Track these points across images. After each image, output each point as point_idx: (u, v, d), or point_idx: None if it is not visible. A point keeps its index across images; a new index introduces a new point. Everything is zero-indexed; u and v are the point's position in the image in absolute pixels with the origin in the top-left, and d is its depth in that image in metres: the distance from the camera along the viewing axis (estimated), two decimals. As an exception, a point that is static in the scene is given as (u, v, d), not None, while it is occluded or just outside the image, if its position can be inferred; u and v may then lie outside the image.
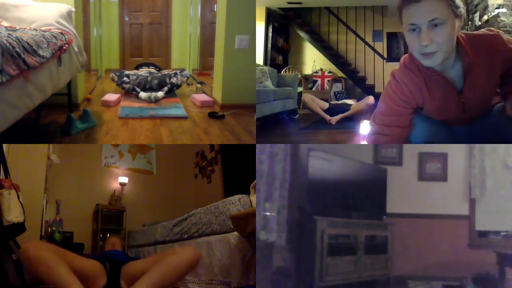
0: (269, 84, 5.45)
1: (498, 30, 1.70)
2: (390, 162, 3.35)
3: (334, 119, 5.02)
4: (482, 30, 1.73)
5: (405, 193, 3.33)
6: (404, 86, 1.72)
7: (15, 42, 1.69)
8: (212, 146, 5.22)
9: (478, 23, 5.69)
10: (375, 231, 2.83)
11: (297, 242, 2.45)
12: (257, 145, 2.34)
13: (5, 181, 2.24)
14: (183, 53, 7.25)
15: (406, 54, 1.76)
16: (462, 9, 1.56)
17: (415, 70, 1.70)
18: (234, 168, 4.51)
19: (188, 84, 5.22)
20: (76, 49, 2.98)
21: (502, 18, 5.08)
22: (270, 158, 2.34)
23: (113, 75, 4.75)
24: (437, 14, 1.49)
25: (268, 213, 2.31)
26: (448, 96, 1.71)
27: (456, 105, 1.73)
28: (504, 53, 1.65)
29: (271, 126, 4.86)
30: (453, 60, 1.66)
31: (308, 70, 8.57)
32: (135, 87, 4.56)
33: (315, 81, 8.12)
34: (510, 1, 5.29)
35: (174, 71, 5.00)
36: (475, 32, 1.72)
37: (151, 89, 4.60)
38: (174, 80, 4.71)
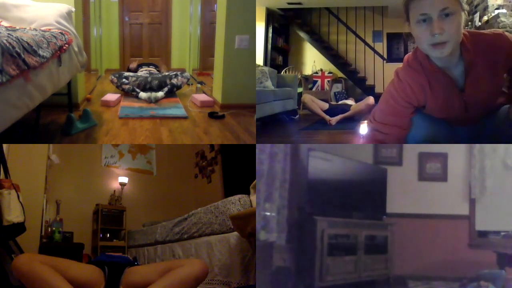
0: (269, 84, 5.45)
1: (503, 31, 1.71)
2: (390, 162, 3.35)
3: (334, 120, 5.01)
4: (488, 30, 1.75)
5: (405, 193, 3.32)
6: (407, 86, 1.72)
7: (15, 42, 1.69)
8: (212, 146, 5.22)
9: (478, 23, 5.68)
10: (375, 231, 2.83)
11: (297, 242, 2.45)
12: (257, 145, 2.34)
13: (5, 181, 2.24)
14: (183, 53, 7.25)
15: (410, 53, 1.76)
16: (466, 4, 1.60)
17: (418, 68, 1.70)
18: (234, 168, 4.51)
19: (188, 84, 5.23)
20: (76, 49, 2.98)
21: (502, 19, 5.07)
22: (270, 158, 2.34)
23: (112, 77, 4.75)
24: (448, 4, 1.52)
25: (268, 213, 2.31)
26: (450, 95, 1.71)
27: (458, 104, 1.73)
28: (508, 53, 1.66)
29: (271, 126, 4.86)
30: (457, 58, 1.67)
31: (308, 70, 8.57)
32: (135, 87, 4.56)
33: (315, 82, 8.12)
34: (510, 2, 5.29)
35: (174, 72, 5.00)
36: (479, 30, 1.73)
37: (151, 89, 4.60)
38: (174, 81, 4.71)
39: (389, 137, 1.85)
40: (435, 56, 1.64)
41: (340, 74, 8.35)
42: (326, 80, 8.07)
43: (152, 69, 5.57)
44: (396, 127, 1.82)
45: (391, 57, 8.10)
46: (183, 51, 7.25)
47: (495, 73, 1.68)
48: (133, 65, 5.94)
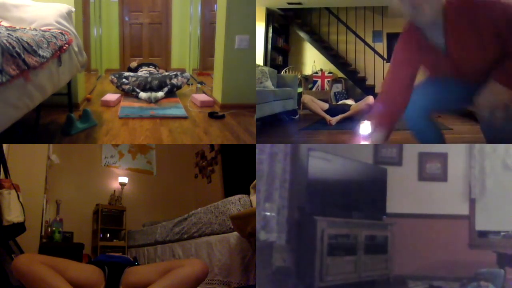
0: (269, 84, 5.45)
1: None
2: (390, 162, 3.35)
3: (334, 120, 5.01)
4: None
5: (405, 193, 3.32)
6: (399, 51, 1.97)
7: (15, 42, 1.69)
8: (212, 146, 5.22)
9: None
10: (375, 231, 2.83)
11: (297, 242, 2.45)
12: (257, 145, 2.34)
13: (5, 181, 2.24)
14: (183, 53, 7.25)
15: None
16: None
17: (407, 37, 1.93)
18: (234, 168, 4.51)
19: (188, 84, 5.23)
20: (76, 49, 2.98)
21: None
22: (270, 158, 2.34)
23: (112, 77, 4.75)
24: None
25: (268, 213, 2.31)
26: (436, 59, 1.86)
27: (446, 67, 1.87)
28: (496, 17, 1.68)
29: (271, 126, 4.86)
30: (440, 23, 1.77)
31: (308, 70, 8.57)
32: (135, 87, 4.56)
33: (315, 82, 8.12)
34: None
35: (174, 72, 5.00)
36: None
37: (151, 89, 4.60)
38: (174, 81, 4.71)
39: (392, 106, 2.00)
40: (418, 18, 1.77)
41: (340, 74, 8.35)
42: (326, 80, 8.07)
43: (152, 69, 5.58)
44: (397, 95, 1.98)
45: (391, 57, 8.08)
46: (183, 51, 7.25)
47: (479, 37, 1.73)
48: (133, 65, 5.95)
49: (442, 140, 2.15)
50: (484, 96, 1.74)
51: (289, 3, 7.26)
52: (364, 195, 2.92)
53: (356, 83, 8.15)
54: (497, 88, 1.70)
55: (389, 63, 7.50)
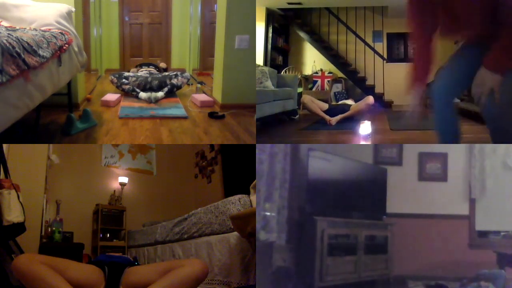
0: (269, 84, 5.45)
1: None
2: (390, 162, 3.35)
3: (334, 120, 5.01)
4: None
5: (405, 193, 3.33)
6: (409, 9, 2.03)
7: (15, 42, 1.69)
8: (212, 146, 5.22)
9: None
10: (375, 231, 2.83)
11: (297, 242, 2.45)
12: (257, 145, 2.34)
13: (5, 181, 2.24)
14: (183, 53, 7.25)
15: None
16: None
17: None
18: (234, 168, 4.51)
19: (188, 84, 5.23)
20: (76, 49, 2.98)
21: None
22: (270, 158, 2.34)
23: (112, 77, 4.75)
24: None
25: (268, 213, 2.31)
26: (435, 11, 1.93)
27: (444, 19, 1.93)
28: None
29: (271, 126, 4.86)
30: None
31: (308, 70, 8.57)
32: (135, 87, 4.56)
33: (315, 82, 8.12)
34: None
35: (174, 72, 5.00)
36: None
37: (151, 89, 4.60)
38: (174, 81, 4.71)
39: (420, 47, 2.09)
40: None
41: (340, 74, 8.35)
42: (326, 80, 8.07)
43: (152, 69, 5.57)
44: (423, 45, 2.06)
45: (391, 57, 8.08)
46: (183, 51, 7.25)
47: None
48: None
49: (458, 139, 2.14)
50: (475, 84, 1.77)
51: (289, 3, 7.25)
52: (364, 195, 2.92)
53: (356, 83, 8.15)
54: (484, 73, 1.74)
55: (389, 63, 7.52)
